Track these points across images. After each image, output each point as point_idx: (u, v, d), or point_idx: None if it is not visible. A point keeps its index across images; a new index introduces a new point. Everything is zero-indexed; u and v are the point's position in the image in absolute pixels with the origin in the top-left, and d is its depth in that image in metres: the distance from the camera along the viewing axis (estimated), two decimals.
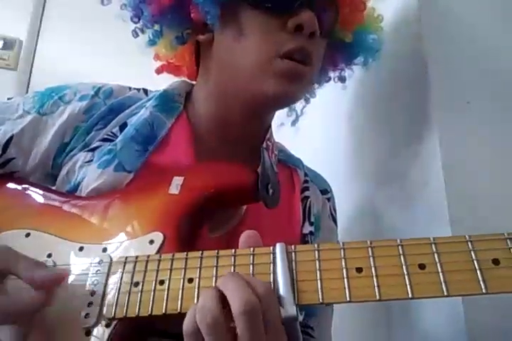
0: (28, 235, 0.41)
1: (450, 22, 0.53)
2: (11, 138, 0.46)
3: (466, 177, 0.47)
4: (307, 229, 0.49)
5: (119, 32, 0.50)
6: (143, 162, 0.44)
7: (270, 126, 0.52)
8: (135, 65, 0.52)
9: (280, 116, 0.55)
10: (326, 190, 0.55)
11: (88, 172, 0.43)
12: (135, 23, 0.48)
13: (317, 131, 0.76)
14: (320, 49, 0.46)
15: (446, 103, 0.50)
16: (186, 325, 0.29)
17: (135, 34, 0.48)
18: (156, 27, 0.47)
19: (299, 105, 0.57)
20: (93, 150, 0.45)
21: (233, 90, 0.45)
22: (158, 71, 0.54)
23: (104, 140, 0.46)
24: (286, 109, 0.57)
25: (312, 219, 0.50)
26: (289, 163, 0.53)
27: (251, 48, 0.43)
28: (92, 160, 0.44)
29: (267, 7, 0.43)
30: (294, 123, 0.58)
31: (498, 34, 0.53)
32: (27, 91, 1.28)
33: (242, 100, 0.45)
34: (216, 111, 0.47)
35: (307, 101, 0.57)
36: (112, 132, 0.46)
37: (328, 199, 0.54)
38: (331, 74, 0.55)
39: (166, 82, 0.53)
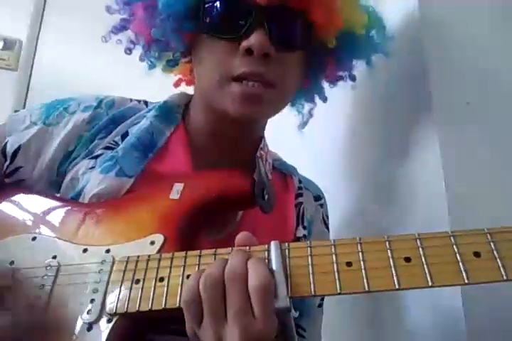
0: (34, 239, 0.43)
1: (450, 22, 0.53)
2: (19, 148, 0.49)
3: (466, 177, 0.47)
4: (301, 232, 0.51)
5: (118, 36, 0.52)
6: (142, 168, 0.47)
7: (263, 135, 0.54)
8: (135, 65, 0.55)
9: (284, 114, 0.54)
10: (319, 196, 0.57)
11: (91, 177, 0.46)
12: (128, 54, 0.52)
13: (316, 131, 0.76)
14: (286, 65, 0.46)
15: (446, 103, 0.49)
16: (186, 291, 0.31)
17: (128, 51, 0.52)
18: (153, 53, 0.52)
19: (305, 107, 0.57)
20: (96, 157, 0.48)
21: (208, 105, 0.48)
22: (177, 85, 0.58)
23: (107, 148, 0.49)
24: (290, 111, 0.57)
25: (305, 224, 0.52)
26: (283, 170, 0.56)
27: (208, 71, 0.46)
28: (94, 167, 0.47)
29: (221, 34, 0.45)
30: (302, 126, 0.58)
31: (498, 34, 0.52)
32: (27, 92, 1.29)
33: (217, 113, 0.47)
34: (208, 123, 0.50)
35: (315, 103, 0.57)
36: (114, 141, 0.49)
37: (321, 206, 0.56)
38: (341, 74, 0.53)
39: (161, 83, 0.56)
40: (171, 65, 0.53)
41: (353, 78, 0.54)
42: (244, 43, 0.43)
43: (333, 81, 0.54)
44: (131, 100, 0.54)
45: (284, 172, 0.56)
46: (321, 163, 0.61)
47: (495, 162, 0.48)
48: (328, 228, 0.56)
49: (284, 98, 0.49)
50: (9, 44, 1.32)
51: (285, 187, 0.54)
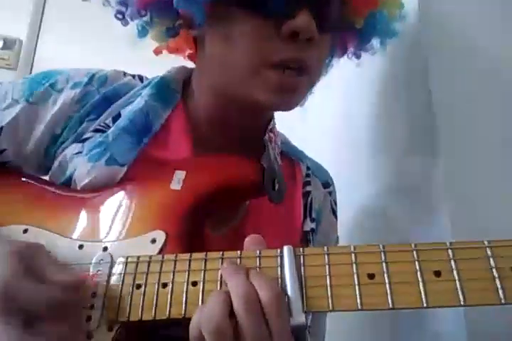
0: (25, 231, 0.40)
1: (450, 22, 0.52)
2: (1, 129, 0.44)
3: (466, 177, 0.46)
4: (308, 226, 0.47)
5: (119, 32, 0.47)
6: (137, 154, 0.42)
7: (273, 116, 0.49)
8: (135, 65, 0.50)
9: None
10: (327, 183, 0.53)
11: (78, 165, 0.41)
12: (119, 19, 0.44)
13: (315, 132, 0.74)
14: (322, 49, 0.42)
15: (446, 103, 0.48)
16: (192, 328, 0.28)
17: (120, 15, 0.44)
18: (146, 18, 0.44)
19: None
20: (84, 141, 0.43)
21: (226, 89, 0.42)
22: (157, 51, 0.50)
23: (96, 131, 0.43)
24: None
25: (313, 215, 0.48)
26: (291, 155, 0.51)
27: (240, 54, 0.39)
28: (81, 152, 0.42)
29: (258, 9, 0.38)
30: (302, 103, 0.54)
31: (498, 33, 0.51)
32: None
33: (236, 99, 0.42)
34: (214, 102, 0.45)
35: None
36: (104, 123, 0.44)
37: (330, 193, 0.52)
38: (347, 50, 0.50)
39: None
40: (170, 34, 0.45)
41: (358, 56, 0.49)
42: (290, 25, 0.37)
43: (338, 57, 0.49)
44: (125, 74, 0.47)
45: (291, 157, 0.51)
46: (338, 162, 0.60)
47: (495, 162, 0.47)
48: (336, 216, 0.53)
49: (316, 81, 0.44)
50: (9, 43, 1.30)
51: (293, 175, 0.50)
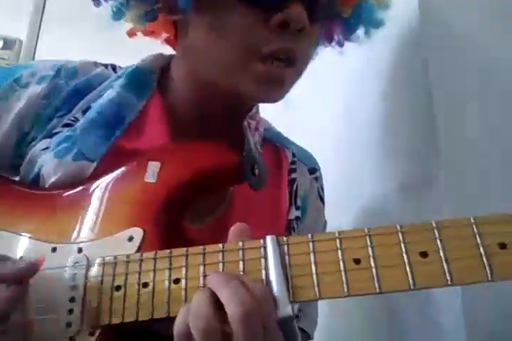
0: None
1: (450, 22, 0.52)
2: None
3: (466, 177, 0.45)
4: (293, 214, 0.46)
5: (119, 32, 0.45)
6: (108, 148, 0.39)
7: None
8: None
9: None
10: (314, 169, 0.51)
11: (45, 161, 0.39)
12: (96, 6, 0.41)
13: (315, 132, 0.72)
14: (310, 40, 0.40)
15: (446, 103, 0.47)
16: (178, 326, 0.27)
17: (97, 4, 0.41)
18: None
19: None
20: (52, 136, 0.40)
21: (209, 79, 0.40)
22: (131, 33, 0.46)
23: (66, 125, 0.40)
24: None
25: (299, 203, 0.47)
26: (276, 142, 0.49)
27: (228, 45, 0.37)
28: (48, 148, 0.39)
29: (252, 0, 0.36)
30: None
31: (498, 33, 0.51)
32: None
33: (219, 90, 0.40)
34: (194, 91, 0.42)
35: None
36: (74, 117, 0.41)
37: (316, 179, 0.51)
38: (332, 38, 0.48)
39: None
40: (148, 18, 0.41)
41: (341, 44, 0.47)
42: (283, 15, 0.35)
43: (323, 45, 0.47)
44: (96, 64, 0.44)
45: (275, 144, 0.49)
46: (337, 162, 0.59)
47: (495, 162, 0.47)
48: (323, 202, 0.52)
49: (301, 75, 0.42)
50: (9, 43, 1.28)
51: (278, 163, 0.48)
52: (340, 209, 0.55)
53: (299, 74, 0.41)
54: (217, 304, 0.26)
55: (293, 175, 0.48)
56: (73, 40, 1.24)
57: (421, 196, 0.49)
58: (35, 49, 1.30)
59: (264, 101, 0.41)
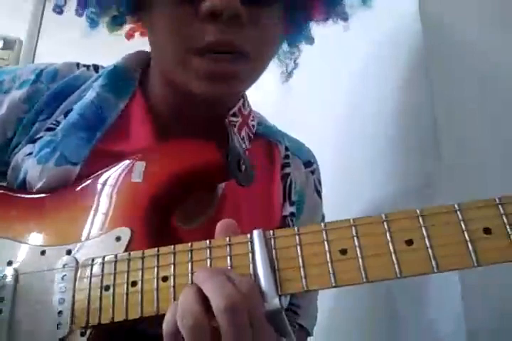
0: None
1: (450, 22, 0.51)
2: None
3: (466, 177, 0.45)
4: (287, 210, 0.45)
5: (119, 32, 0.45)
6: (91, 151, 0.39)
7: (243, 97, 0.45)
8: None
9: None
10: (309, 162, 0.50)
11: (29, 167, 0.39)
12: (58, 13, 0.42)
13: (316, 132, 0.72)
14: (263, 26, 0.36)
15: (445, 103, 0.47)
16: (166, 324, 0.27)
17: (58, 9, 0.43)
18: (92, 8, 0.40)
19: (288, 55, 0.48)
20: (35, 141, 0.40)
21: (168, 77, 0.39)
22: (129, 36, 0.46)
23: (48, 129, 0.40)
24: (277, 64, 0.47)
25: (294, 198, 0.46)
26: (268, 136, 0.48)
27: (164, 40, 0.36)
28: (31, 153, 0.39)
29: None
30: (287, 77, 0.49)
31: (498, 34, 0.50)
32: None
33: (178, 87, 0.38)
34: (168, 89, 0.42)
35: (299, 50, 0.47)
36: (56, 120, 0.40)
37: (312, 172, 0.50)
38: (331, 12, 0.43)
39: None
40: (117, 22, 0.41)
41: (344, 17, 0.44)
42: (206, 4, 0.32)
43: (322, 20, 0.44)
44: (78, 65, 0.44)
45: (268, 139, 0.48)
46: (337, 162, 0.59)
47: (495, 162, 0.47)
48: (320, 196, 0.51)
49: (263, 66, 0.39)
50: (9, 43, 1.28)
51: (271, 158, 0.47)
52: (340, 210, 0.55)
53: (258, 64, 0.38)
54: (204, 300, 0.26)
55: (286, 170, 0.47)
56: (73, 40, 1.22)
57: (421, 198, 0.49)
58: (35, 49, 1.30)
59: (218, 98, 0.38)
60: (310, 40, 0.46)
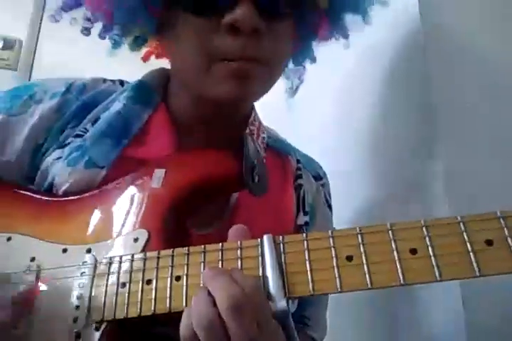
0: (9, 239, 0.40)
1: (450, 26, 0.52)
2: None
3: (466, 177, 0.46)
4: (302, 219, 0.47)
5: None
6: (117, 156, 0.42)
7: (253, 108, 0.49)
8: (136, 64, 0.50)
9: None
10: (319, 176, 0.52)
11: (58, 170, 0.41)
12: (86, 35, 0.46)
13: (315, 130, 0.74)
14: (278, 39, 0.40)
15: (445, 103, 0.48)
16: (183, 329, 0.28)
17: (85, 32, 0.46)
18: (116, 30, 0.44)
19: (295, 73, 0.51)
20: (64, 146, 0.43)
21: (190, 88, 0.43)
22: (145, 58, 0.51)
23: (76, 136, 0.43)
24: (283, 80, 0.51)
25: (307, 209, 0.48)
26: (279, 149, 0.51)
27: (189, 53, 0.39)
28: (61, 157, 0.42)
29: (200, 7, 0.38)
30: (292, 93, 0.54)
31: (498, 37, 0.52)
32: None
33: (201, 97, 0.42)
34: (189, 101, 0.45)
35: (304, 67, 0.51)
36: (84, 128, 0.44)
37: (323, 185, 0.52)
38: (334, 31, 0.47)
39: None
40: (139, 43, 0.46)
41: (345, 35, 0.47)
42: (227, 18, 0.36)
43: (325, 39, 0.47)
44: (104, 81, 0.48)
45: (280, 152, 0.51)
46: (336, 162, 0.59)
47: (495, 162, 0.47)
48: (331, 209, 0.53)
49: (277, 75, 0.43)
50: (9, 44, 1.29)
51: (282, 169, 0.49)
52: (339, 209, 0.55)
53: (272, 72, 0.41)
54: (212, 299, 0.28)
55: (299, 181, 0.49)
56: (73, 40, 1.23)
57: (421, 196, 0.50)
58: (35, 49, 1.31)
59: (239, 100, 0.40)
60: (313, 59, 0.50)
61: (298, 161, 0.51)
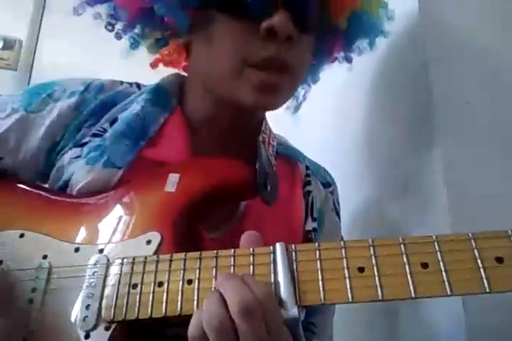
0: (22, 236, 0.40)
1: (450, 22, 0.52)
2: None
3: (466, 177, 0.46)
4: (310, 225, 0.48)
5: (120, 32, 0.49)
6: (134, 157, 0.43)
7: (264, 116, 0.50)
8: (136, 65, 0.51)
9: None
10: (328, 183, 0.53)
11: (76, 168, 0.42)
12: (109, 31, 0.46)
13: (316, 132, 0.75)
14: (303, 49, 0.42)
15: (445, 103, 0.49)
16: (192, 329, 0.29)
17: (110, 27, 0.46)
18: (136, 30, 0.46)
19: (300, 90, 0.54)
20: (82, 145, 0.44)
21: (214, 91, 0.44)
22: (154, 65, 0.52)
23: (94, 135, 0.44)
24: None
25: (315, 215, 0.49)
26: (289, 156, 0.52)
27: (222, 55, 0.41)
28: (80, 156, 0.43)
29: (237, 12, 0.39)
30: (296, 110, 0.55)
31: (498, 34, 0.52)
32: None
33: (224, 101, 0.43)
34: (206, 105, 0.46)
35: (309, 86, 0.54)
36: (102, 127, 0.45)
37: (331, 193, 0.53)
38: (337, 55, 0.51)
39: None
40: (160, 44, 0.47)
41: (349, 60, 0.50)
42: (267, 23, 0.38)
43: (331, 62, 0.51)
44: (121, 83, 0.49)
45: (289, 158, 0.52)
46: (334, 160, 0.60)
47: (495, 161, 0.47)
48: (339, 216, 0.53)
49: (298, 84, 0.46)
50: (9, 44, 1.29)
51: (291, 175, 0.50)
52: (354, 202, 0.56)
53: (295, 81, 0.44)
54: (224, 301, 0.28)
55: (308, 188, 0.50)
56: (73, 40, 1.23)
57: (420, 194, 0.50)
58: (35, 49, 1.31)
59: (263, 109, 0.43)
60: (316, 80, 0.52)
61: (307, 168, 0.52)
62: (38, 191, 0.45)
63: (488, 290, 0.28)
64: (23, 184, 0.46)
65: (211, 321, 0.27)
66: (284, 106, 0.54)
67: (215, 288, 0.30)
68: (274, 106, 0.44)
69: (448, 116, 0.48)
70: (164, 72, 0.51)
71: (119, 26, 0.46)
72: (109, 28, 0.46)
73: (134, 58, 0.49)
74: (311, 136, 0.75)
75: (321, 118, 0.74)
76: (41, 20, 1.32)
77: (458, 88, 0.50)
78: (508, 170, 0.47)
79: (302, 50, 0.42)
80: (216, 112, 0.46)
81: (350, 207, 0.61)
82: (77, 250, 0.38)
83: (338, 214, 0.53)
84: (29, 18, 1.31)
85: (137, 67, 0.52)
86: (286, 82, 0.41)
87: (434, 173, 0.47)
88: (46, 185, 0.46)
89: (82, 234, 0.39)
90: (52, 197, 0.44)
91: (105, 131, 0.44)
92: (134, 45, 0.47)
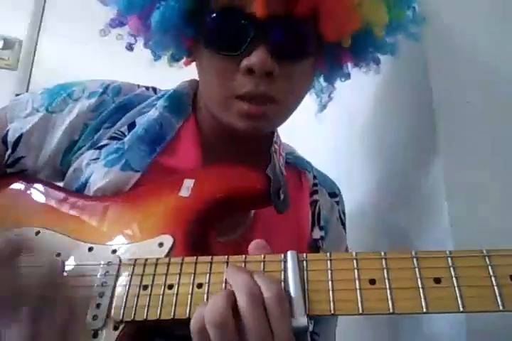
0: (37, 233, 0.41)
1: (450, 22, 0.53)
2: (21, 136, 0.47)
3: (466, 177, 0.46)
4: (318, 234, 0.48)
5: (119, 32, 0.50)
6: (150, 162, 0.44)
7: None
8: (136, 65, 0.52)
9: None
10: (334, 193, 0.54)
11: (95, 170, 0.43)
12: (129, 50, 0.49)
13: (316, 132, 0.75)
14: (292, 77, 0.42)
15: (446, 103, 0.49)
16: (194, 322, 0.29)
17: (129, 47, 0.49)
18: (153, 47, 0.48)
19: (326, 91, 0.53)
20: (100, 148, 0.45)
21: (213, 113, 0.45)
22: (187, 63, 0.53)
23: (112, 138, 0.46)
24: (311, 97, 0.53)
25: (322, 223, 0.49)
26: (297, 165, 0.53)
27: (211, 87, 0.43)
28: (98, 158, 0.44)
29: (220, 49, 0.41)
30: (321, 109, 0.55)
31: (498, 33, 0.52)
32: (27, 91, 1.26)
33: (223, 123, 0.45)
34: (214, 120, 0.47)
35: (334, 87, 0.53)
36: (120, 131, 0.46)
37: (337, 203, 0.53)
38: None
39: (169, 80, 0.52)
40: (176, 58, 0.49)
41: (377, 61, 0.49)
42: (245, 62, 0.40)
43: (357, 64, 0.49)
44: (138, 86, 0.51)
45: (297, 167, 0.53)
46: (336, 162, 0.61)
47: (495, 161, 0.47)
48: (344, 226, 0.54)
49: (290, 109, 0.46)
50: (9, 44, 1.30)
51: (299, 184, 0.51)
52: (355, 204, 0.55)
53: (283, 109, 0.44)
54: (230, 298, 0.29)
55: (315, 197, 0.51)
56: (73, 40, 1.24)
57: (421, 196, 0.50)
58: (35, 49, 1.30)
59: (256, 133, 0.44)
60: (346, 77, 0.51)
61: (314, 177, 0.52)
62: (54, 190, 0.46)
63: (502, 308, 0.27)
64: (41, 183, 0.47)
65: (212, 314, 0.28)
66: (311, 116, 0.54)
67: (225, 279, 0.31)
68: (266, 130, 0.45)
69: (449, 121, 0.48)
70: (164, 73, 0.52)
71: (98, 31, 0.48)
72: (129, 47, 0.49)
73: (134, 58, 0.50)
74: (314, 142, 0.75)
75: (325, 115, 0.73)
76: (41, 20, 1.32)
77: (458, 88, 0.49)
78: (508, 170, 0.46)
79: (291, 80, 0.42)
80: (222, 127, 0.46)
81: (348, 209, 0.60)
82: (90, 249, 0.38)
83: (343, 224, 0.53)
84: (29, 18, 1.31)
85: (137, 67, 0.52)
86: (272, 111, 0.42)
87: (435, 175, 0.47)
88: (61, 184, 0.47)
89: (96, 234, 0.40)
90: (69, 197, 0.45)
91: (123, 134, 0.46)
92: (157, 58, 0.50)
